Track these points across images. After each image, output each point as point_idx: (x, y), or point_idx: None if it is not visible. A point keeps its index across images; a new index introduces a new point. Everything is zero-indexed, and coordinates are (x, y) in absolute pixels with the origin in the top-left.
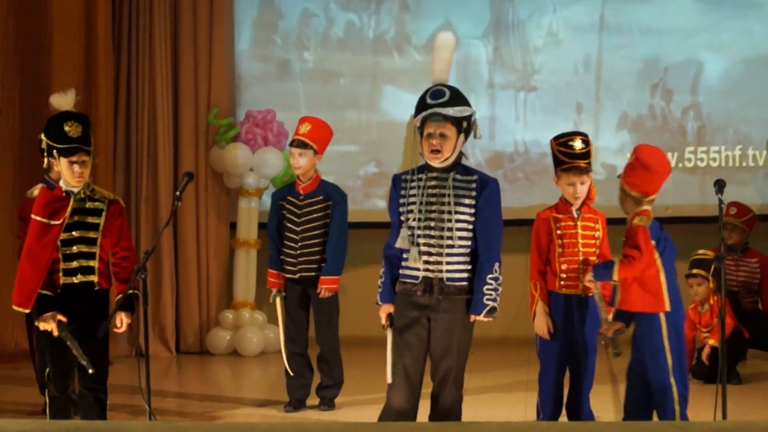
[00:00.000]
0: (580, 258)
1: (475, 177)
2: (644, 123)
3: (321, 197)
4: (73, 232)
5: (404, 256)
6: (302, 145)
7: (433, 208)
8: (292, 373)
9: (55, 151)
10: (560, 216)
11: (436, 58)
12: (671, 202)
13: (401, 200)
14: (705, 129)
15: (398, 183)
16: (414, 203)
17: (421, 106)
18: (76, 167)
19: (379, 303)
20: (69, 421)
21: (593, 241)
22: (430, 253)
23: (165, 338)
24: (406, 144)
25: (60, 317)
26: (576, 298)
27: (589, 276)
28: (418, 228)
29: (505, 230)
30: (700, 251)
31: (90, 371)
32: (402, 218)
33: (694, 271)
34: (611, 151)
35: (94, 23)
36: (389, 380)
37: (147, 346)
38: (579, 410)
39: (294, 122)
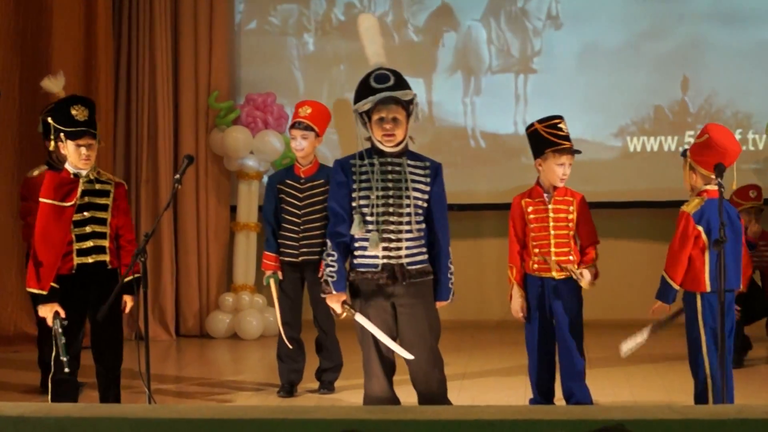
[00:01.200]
0: (552, 241)
1: (427, 162)
2: (646, 108)
3: (322, 180)
4: (85, 213)
5: (357, 244)
6: (306, 127)
7: (391, 193)
8: (291, 346)
9: (62, 134)
10: (532, 200)
11: (367, 40)
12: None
13: (353, 186)
14: (705, 113)
15: (347, 168)
16: (369, 188)
17: (367, 90)
18: (83, 150)
19: (333, 292)
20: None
21: (565, 224)
22: (389, 239)
23: (165, 321)
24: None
25: (59, 310)
26: (550, 281)
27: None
28: (375, 214)
29: (496, 214)
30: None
31: (65, 370)
32: (354, 204)
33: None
34: (613, 134)
35: (94, 5)
36: (407, 356)
37: (147, 329)
38: (571, 393)
39: (294, 105)
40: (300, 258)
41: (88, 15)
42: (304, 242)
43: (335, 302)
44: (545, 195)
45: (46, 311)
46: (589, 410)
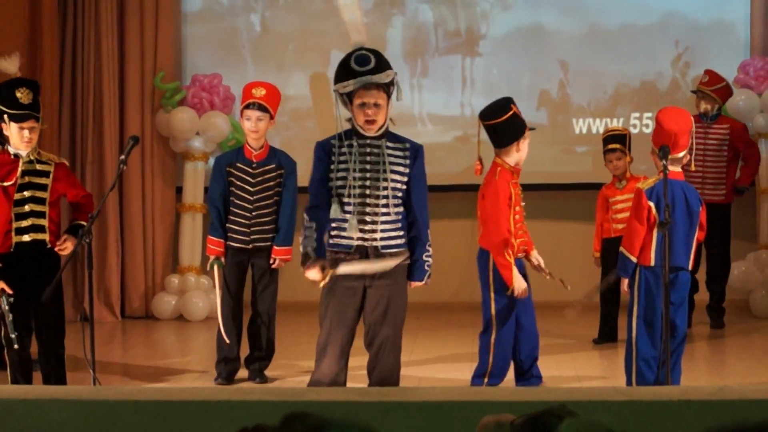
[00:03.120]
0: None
1: (407, 144)
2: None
3: (274, 165)
4: (25, 192)
5: (334, 224)
6: (261, 108)
7: (368, 175)
8: (229, 341)
9: (6, 116)
10: (514, 183)
11: (347, 15)
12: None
13: (332, 166)
14: (652, 93)
15: (327, 150)
16: (347, 170)
17: (347, 72)
18: (25, 132)
19: (313, 258)
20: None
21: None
22: (365, 221)
23: (110, 303)
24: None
25: (4, 286)
26: (519, 262)
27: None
28: (352, 196)
29: (450, 196)
30: (611, 127)
31: (15, 346)
32: (331, 185)
33: (611, 146)
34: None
35: None
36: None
37: (92, 310)
38: (529, 372)
39: (241, 86)
40: (251, 244)
41: None
42: (255, 228)
43: (314, 269)
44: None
45: None
46: (534, 392)
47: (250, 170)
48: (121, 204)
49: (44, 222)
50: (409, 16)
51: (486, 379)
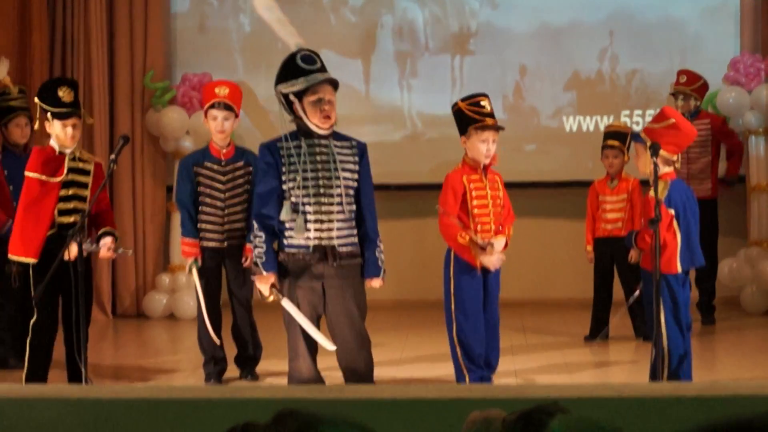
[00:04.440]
0: (491, 217)
1: (353, 142)
2: (593, 85)
3: (242, 163)
4: (70, 190)
5: (288, 225)
6: (227, 107)
7: (320, 175)
8: (218, 342)
9: (49, 114)
10: (472, 177)
11: (274, 22)
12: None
13: (282, 168)
14: (645, 91)
15: (275, 151)
16: (296, 171)
17: (296, 71)
18: (69, 130)
19: (263, 272)
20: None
21: (499, 201)
22: (321, 221)
23: (101, 301)
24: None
25: None
26: None
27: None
28: (306, 196)
29: (435, 193)
30: (615, 123)
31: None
32: (284, 187)
33: (610, 142)
34: (549, 114)
35: None
36: (330, 347)
37: (83, 308)
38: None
39: (205, 86)
40: (225, 243)
41: None
42: (228, 227)
43: (264, 284)
44: (481, 172)
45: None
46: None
47: (220, 168)
48: (112, 203)
49: (86, 219)
50: (398, 16)
51: (466, 374)
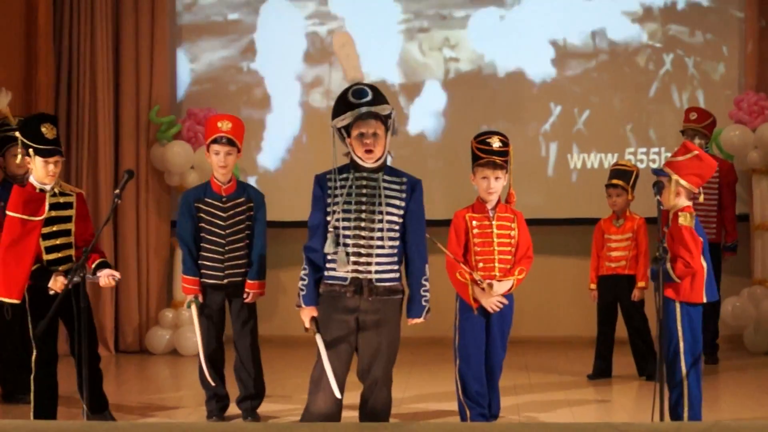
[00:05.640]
0: (495, 257)
1: (404, 179)
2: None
3: (243, 198)
4: (54, 227)
5: (330, 257)
6: (229, 142)
7: (363, 208)
8: (214, 384)
9: (31, 150)
10: (476, 215)
11: (342, 57)
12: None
13: (327, 200)
14: (647, 129)
15: (323, 183)
16: (340, 203)
17: (345, 105)
18: (51, 167)
19: (302, 306)
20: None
21: (509, 240)
22: (359, 254)
23: (104, 337)
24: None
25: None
26: None
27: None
28: (347, 229)
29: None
30: (620, 161)
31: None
32: (329, 219)
33: (614, 181)
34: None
35: (34, 18)
36: (337, 395)
37: (86, 344)
38: (494, 406)
39: (207, 120)
40: (225, 280)
41: (28, 28)
42: (229, 263)
43: (304, 316)
44: (489, 210)
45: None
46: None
47: (221, 204)
48: (116, 238)
49: (72, 252)
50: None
51: (467, 411)
